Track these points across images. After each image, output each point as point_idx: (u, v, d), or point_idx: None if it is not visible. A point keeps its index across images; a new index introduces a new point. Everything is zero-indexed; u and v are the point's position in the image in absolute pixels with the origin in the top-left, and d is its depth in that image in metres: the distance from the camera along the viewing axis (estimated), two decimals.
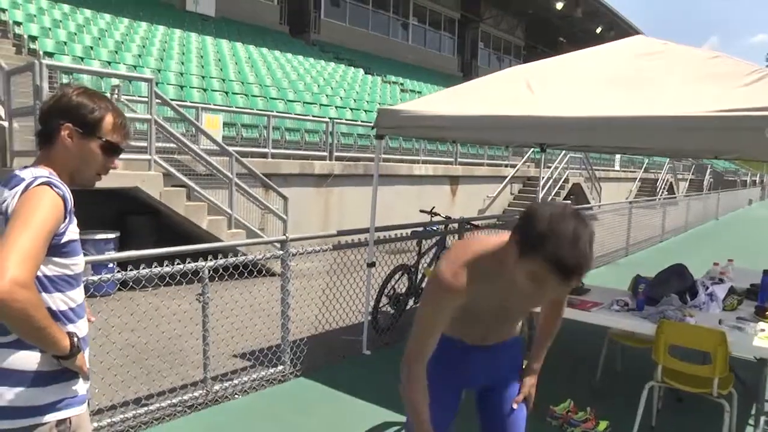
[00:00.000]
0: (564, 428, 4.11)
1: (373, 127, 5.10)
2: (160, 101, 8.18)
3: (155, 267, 4.05)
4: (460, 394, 2.39)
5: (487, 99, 4.67)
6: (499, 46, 35.22)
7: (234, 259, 4.46)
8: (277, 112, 12.86)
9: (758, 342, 3.66)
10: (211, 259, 4.28)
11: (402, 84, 21.89)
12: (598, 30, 32.74)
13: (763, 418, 3.98)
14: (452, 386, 2.33)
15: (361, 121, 14.50)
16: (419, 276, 6.29)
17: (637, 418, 3.94)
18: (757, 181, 50.60)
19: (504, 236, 1.98)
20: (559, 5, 30.06)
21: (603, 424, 4.09)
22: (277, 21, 22.30)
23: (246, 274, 4.75)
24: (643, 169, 29.43)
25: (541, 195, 12.85)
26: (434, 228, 6.34)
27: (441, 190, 14.68)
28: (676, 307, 4.12)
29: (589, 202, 17.88)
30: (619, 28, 34.30)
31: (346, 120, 14.35)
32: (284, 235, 4.84)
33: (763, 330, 3.83)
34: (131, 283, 6.06)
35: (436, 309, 2.02)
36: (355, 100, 16.80)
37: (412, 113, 4.79)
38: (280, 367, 4.83)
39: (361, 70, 21.25)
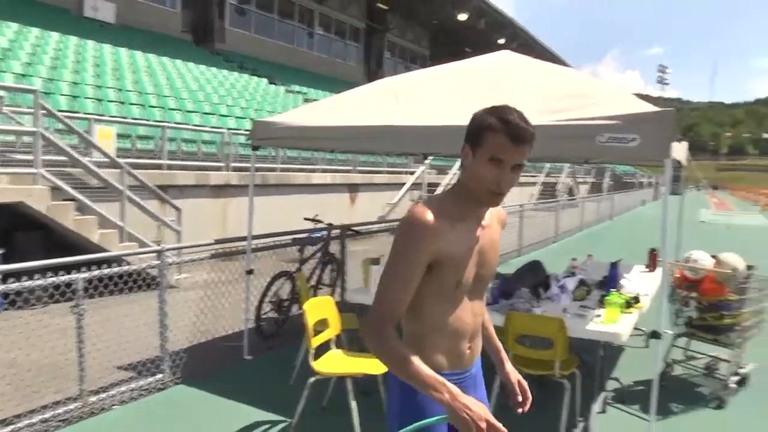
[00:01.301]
0: None
1: (248, 138, 5.25)
2: (45, 113, 8.01)
3: (24, 280, 4.05)
4: None
5: (358, 110, 4.91)
6: (405, 55, 36.05)
7: (108, 270, 4.50)
8: (174, 123, 12.75)
9: (591, 326, 4.08)
10: (84, 271, 4.31)
11: (306, 93, 21.98)
12: (502, 41, 33.95)
13: (603, 394, 4.40)
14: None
15: None
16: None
17: (491, 401, 4.27)
18: (653, 183, 53.76)
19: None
20: (463, 17, 31.11)
21: None
22: (179, 29, 21.99)
23: (144, 287, 4.83)
24: (544, 174, 30.73)
25: None
26: (317, 235, 6.55)
27: (340, 198, 14.91)
28: (525, 299, 4.50)
29: None
30: (521, 39, 35.83)
31: (245, 131, 14.36)
32: (161, 245, 4.92)
33: (599, 316, 4.25)
34: (18, 301, 5.93)
35: (408, 253, 1.84)
36: (256, 110, 16.80)
37: (284, 125, 4.98)
38: (159, 376, 4.90)
39: (265, 80, 21.24)
